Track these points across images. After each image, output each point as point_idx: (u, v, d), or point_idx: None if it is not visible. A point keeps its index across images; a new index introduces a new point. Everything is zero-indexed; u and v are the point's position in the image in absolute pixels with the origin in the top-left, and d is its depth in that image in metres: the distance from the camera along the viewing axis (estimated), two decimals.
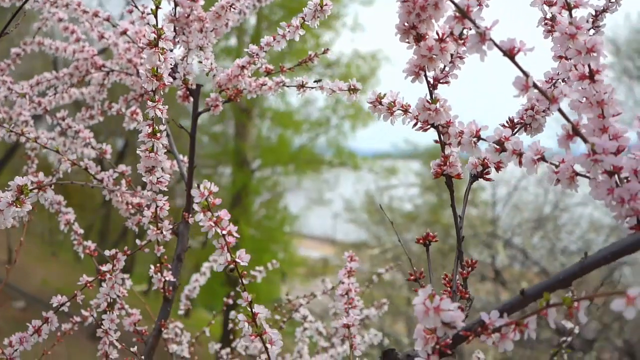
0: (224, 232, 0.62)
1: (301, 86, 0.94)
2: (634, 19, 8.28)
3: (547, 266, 6.12)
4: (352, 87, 0.85)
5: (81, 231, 1.09)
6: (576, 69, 0.55)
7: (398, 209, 9.57)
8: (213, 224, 0.62)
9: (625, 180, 0.52)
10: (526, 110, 0.69)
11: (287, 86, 0.96)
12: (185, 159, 1.10)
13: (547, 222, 6.53)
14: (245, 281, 0.64)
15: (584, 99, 0.55)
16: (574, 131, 0.51)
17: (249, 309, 0.65)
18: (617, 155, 0.53)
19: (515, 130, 0.69)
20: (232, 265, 0.63)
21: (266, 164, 11.65)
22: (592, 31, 0.73)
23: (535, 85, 0.50)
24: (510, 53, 0.51)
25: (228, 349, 1.25)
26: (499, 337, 0.51)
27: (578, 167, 0.55)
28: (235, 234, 0.63)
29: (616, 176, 0.53)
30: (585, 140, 0.51)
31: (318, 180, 11.98)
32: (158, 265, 0.96)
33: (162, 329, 0.99)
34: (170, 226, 0.90)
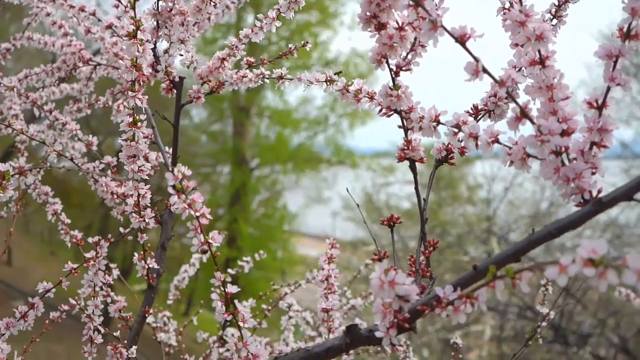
0: (198, 214, 0.65)
1: (280, 78, 0.97)
2: None
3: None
4: (328, 78, 0.87)
5: (68, 221, 1.12)
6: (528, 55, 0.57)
7: (396, 207, 9.60)
8: (187, 206, 0.64)
9: (573, 161, 0.55)
10: (489, 97, 0.72)
11: (267, 78, 0.99)
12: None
13: (544, 218, 6.56)
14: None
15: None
16: (522, 114, 0.54)
17: (222, 289, 0.67)
18: (568, 136, 0.56)
19: (480, 116, 0.72)
20: (205, 247, 0.66)
21: (265, 162, 11.69)
22: (554, 21, 0.76)
23: (484, 70, 0.53)
24: (461, 39, 0.53)
25: (215, 337, 1.27)
26: (452, 310, 0.54)
27: (530, 149, 0.58)
28: (208, 216, 0.65)
29: (565, 156, 0.56)
30: (532, 122, 0.54)
31: (316, 179, 12.01)
32: (142, 253, 0.98)
33: (146, 315, 1.02)
34: (153, 214, 0.93)
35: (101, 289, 0.98)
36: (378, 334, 0.56)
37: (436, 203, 9.29)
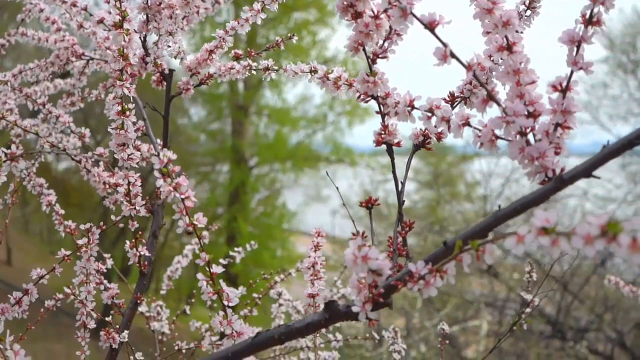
0: (183, 196, 0.67)
1: (266, 69, 0.99)
2: (628, 13, 8.32)
3: (540, 259, 6.19)
4: (312, 69, 0.90)
5: (62, 212, 1.15)
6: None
7: (394, 204, 9.62)
8: (172, 189, 0.67)
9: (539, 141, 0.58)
10: (465, 84, 0.74)
11: (255, 69, 1.02)
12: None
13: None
14: (203, 241, 0.69)
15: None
16: (489, 96, 0.57)
17: (207, 269, 0.70)
18: (535, 119, 0.59)
19: (456, 103, 0.74)
20: (189, 228, 0.68)
21: (264, 161, 11.71)
22: (528, 12, 0.78)
23: (452, 55, 0.56)
24: (430, 26, 0.56)
25: (207, 325, 1.30)
26: (424, 284, 0.56)
27: (498, 131, 0.60)
28: (194, 199, 0.68)
29: (531, 137, 0.58)
30: (498, 104, 0.57)
31: (315, 177, 12.03)
32: (133, 240, 1.01)
33: (138, 302, 1.04)
34: (143, 202, 0.95)
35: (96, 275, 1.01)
36: (355, 309, 0.59)
37: (435, 200, 9.32)
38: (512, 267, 6.70)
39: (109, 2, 1.14)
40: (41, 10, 1.25)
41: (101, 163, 1.09)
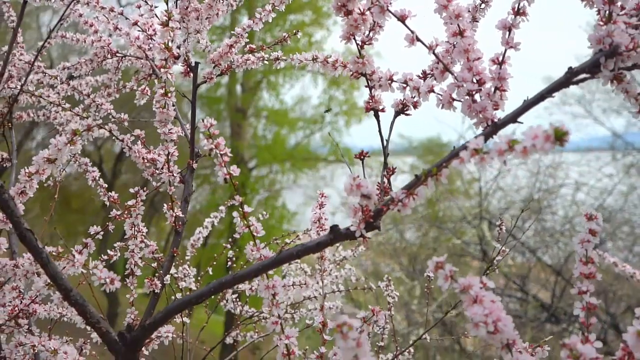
0: (222, 152, 0.89)
1: (277, 59, 1.21)
2: None
3: (533, 246, 6.42)
4: (314, 56, 1.12)
5: (105, 185, 1.36)
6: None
7: None
8: (214, 147, 0.89)
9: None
10: (435, 63, 0.96)
11: (267, 60, 1.23)
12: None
13: (533, 203, 6.83)
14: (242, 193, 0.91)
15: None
16: (445, 68, 0.79)
17: (241, 209, 0.92)
18: (480, 85, 0.80)
19: (427, 78, 0.96)
20: (227, 176, 0.90)
21: (263, 162, 11.91)
22: (482, 5, 1.00)
23: (418, 39, 0.78)
24: (402, 19, 0.78)
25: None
26: (402, 205, 0.78)
27: (454, 95, 0.82)
28: (229, 154, 0.90)
29: (478, 97, 0.80)
30: (452, 74, 0.78)
31: (314, 178, 12.23)
32: (170, 204, 1.23)
33: (175, 255, 1.26)
34: (179, 170, 1.17)
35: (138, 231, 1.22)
36: (352, 228, 0.81)
37: (434, 196, 9.55)
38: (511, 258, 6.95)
39: (139, 7, 1.36)
40: (80, 15, 1.47)
41: (139, 142, 1.31)
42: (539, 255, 6.30)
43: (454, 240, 6.28)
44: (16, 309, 1.13)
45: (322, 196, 1.26)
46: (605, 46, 0.70)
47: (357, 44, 0.88)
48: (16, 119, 1.60)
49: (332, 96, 11.89)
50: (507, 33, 0.79)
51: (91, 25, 1.48)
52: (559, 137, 0.55)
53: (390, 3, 0.79)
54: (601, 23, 0.71)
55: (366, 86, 0.91)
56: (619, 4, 0.70)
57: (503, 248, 1.32)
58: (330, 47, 11.45)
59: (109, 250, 1.22)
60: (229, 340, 1.70)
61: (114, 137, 1.27)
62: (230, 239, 1.73)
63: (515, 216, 7.15)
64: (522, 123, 0.74)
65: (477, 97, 0.80)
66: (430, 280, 1.52)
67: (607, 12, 0.70)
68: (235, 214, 0.91)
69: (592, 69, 0.70)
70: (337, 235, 0.84)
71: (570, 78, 0.72)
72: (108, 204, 1.31)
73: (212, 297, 1.71)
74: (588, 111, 8.59)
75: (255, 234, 0.91)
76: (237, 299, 1.76)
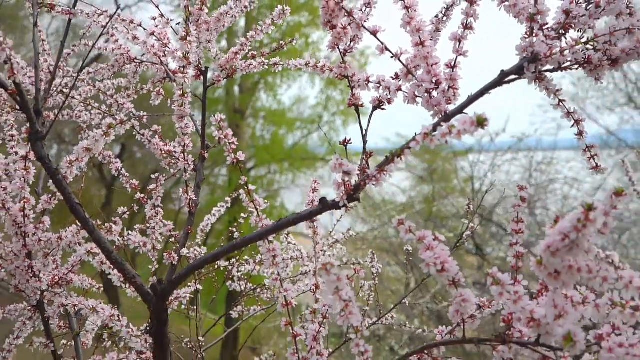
0: (230, 141, 1.10)
1: (275, 64, 1.42)
2: None
3: (526, 239, 6.63)
4: (307, 62, 1.33)
5: (127, 175, 1.57)
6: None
7: (390, 201, 10.04)
8: (223, 137, 1.10)
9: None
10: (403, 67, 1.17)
11: (267, 65, 1.44)
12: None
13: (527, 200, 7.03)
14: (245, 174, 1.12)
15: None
16: (408, 72, 1.00)
17: (246, 187, 1.12)
18: (437, 84, 1.01)
19: (399, 79, 1.17)
20: (235, 160, 1.11)
21: (261, 162, 12.11)
22: (444, 18, 1.21)
23: (386, 49, 0.98)
24: (374, 33, 0.99)
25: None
26: (376, 180, 0.98)
27: (417, 93, 1.03)
28: (236, 143, 1.10)
29: (435, 93, 1.01)
30: (413, 76, 0.99)
31: (313, 177, 12.41)
32: (185, 188, 1.44)
33: (189, 232, 1.46)
34: (193, 159, 1.38)
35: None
36: (337, 199, 1.02)
37: (430, 195, 9.77)
38: (499, 248, 7.17)
39: (155, 19, 1.57)
40: (103, 27, 1.67)
41: (157, 136, 1.52)
42: (532, 250, 6.51)
43: (446, 234, 6.51)
44: (56, 277, 1.33)
45: (315, 182, 1.46)
46: (528, 54, 0.91)
47: (340, 52, 1.09)
48: (44, 119, 1.81)
49: (330, 96, 12.13)
50: (458, 43, 1.00)
51: (112, 35, 1.69)
52: (480, 122, 0.76)
53: (366, 20, 1.00)
54: (525, 36, 0.92)
55: (348, 86, 1.12)
56: (539, 21, 0.92)
57: (472, 225, 1.53)
58: (326, 47, 11.63)
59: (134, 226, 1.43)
60: (234, 314, 1.91)
61: (134, 132, 1.48)
62: (230, 235, 1.93)
63: (507, 210, 7.38)
64: (467, 114, 0.95)
65: (434, 94, 1.01)
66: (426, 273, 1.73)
67: (530, 27, 0.91)
68: (241, 191, 1.12)
69: (518, 71, 0.91)
70: (325, 205, 1.05)
71: (502, 78, 0.93)
72: (130, 190, 1.52)
73: (221, 274, 1.91)
74: (582, 109, 8.81)
75: (258, 207, 1.12)
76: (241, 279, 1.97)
